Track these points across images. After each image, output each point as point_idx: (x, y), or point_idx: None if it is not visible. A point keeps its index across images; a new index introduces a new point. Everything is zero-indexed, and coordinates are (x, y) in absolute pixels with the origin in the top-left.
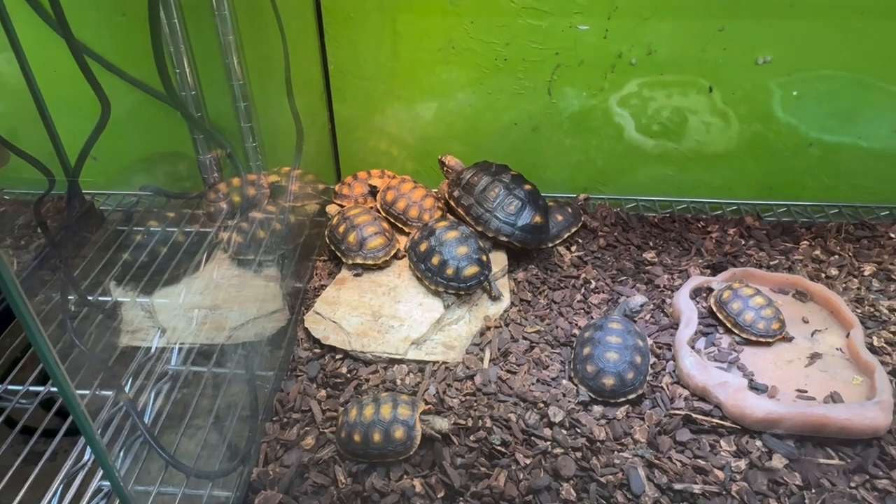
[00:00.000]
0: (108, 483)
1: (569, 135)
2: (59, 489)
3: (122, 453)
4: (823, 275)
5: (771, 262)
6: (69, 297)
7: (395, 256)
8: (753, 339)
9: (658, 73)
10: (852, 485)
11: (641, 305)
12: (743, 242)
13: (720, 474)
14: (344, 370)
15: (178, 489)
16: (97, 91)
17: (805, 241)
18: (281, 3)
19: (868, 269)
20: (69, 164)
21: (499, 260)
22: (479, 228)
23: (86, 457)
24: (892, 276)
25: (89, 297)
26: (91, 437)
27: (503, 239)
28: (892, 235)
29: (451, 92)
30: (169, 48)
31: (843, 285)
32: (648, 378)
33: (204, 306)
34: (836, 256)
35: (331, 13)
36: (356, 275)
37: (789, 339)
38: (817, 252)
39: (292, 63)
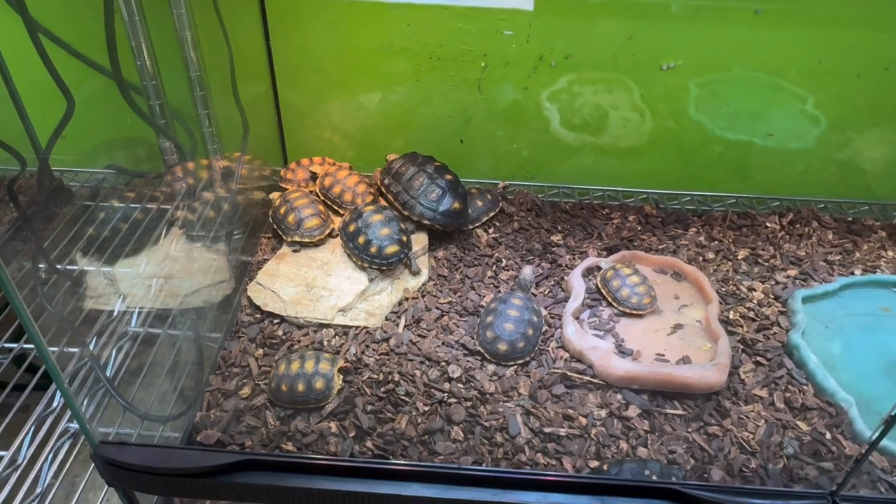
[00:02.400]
0: (74, 424)
1: (499, 127)
2: (31, 430)
3: (86, 401)
4: (702, 258)
5: (660, 246)
6: (40, 266)
7: (331, 235)
8: (628, 311)
9: (575, 75)
10: (689, 430)
11: (531, 276)
12: (639, 228)
13: (584, 421)
14: (280, 333)
15: (135, 430)
16: (60, 86)
17: (693, 228)
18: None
19: (742, 253)
20: (40, 147)
21: (420, 240)
22: (406, 213)
23: (55, 403)
24: (759, 261)
25: (58, 266)
26: (60, 382)
27: (426, 222)
28: (769, 225)
29: (390, 86)
30: (130, 42)
31: (716, 267)
32: (538, 341)
33: (160, 276)
34: (716, 242)
35: (276, 11)
36: (295, 251)
37: (659, 312)
38: (701, 238)
39: (240, 58)
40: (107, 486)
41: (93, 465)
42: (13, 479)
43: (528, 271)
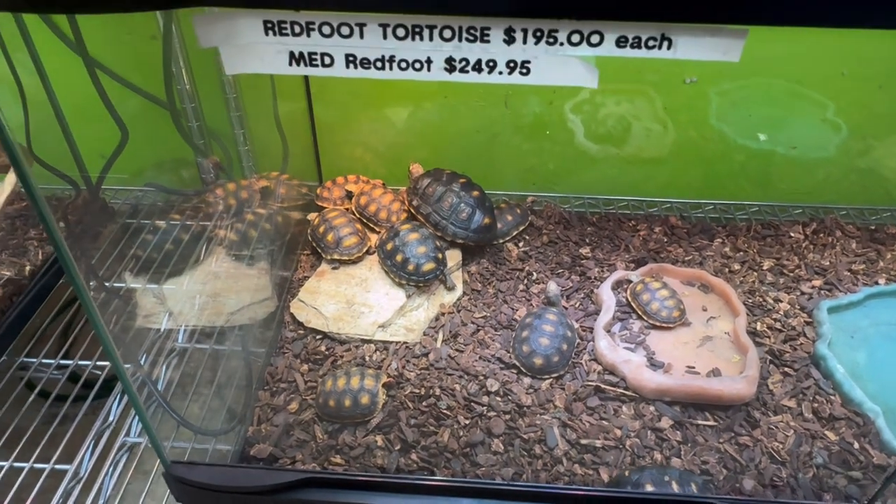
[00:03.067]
0: (130, 438)
1: (525, 140)
2: (91, 444)
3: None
4: (728, 269)
5: (686, 258)
6: (90, 284)
7: (368, 252)
8: (658, 324)
9: (600, 91)
10: (720, 441)
11: (557, 291)
12: (665, 240)
13: (618, 432)
14: (323, 348)
15: (189, 444)
16: (116, 119)
17: (719, 239)
18: None
19: (767, 264)
20: (89, 176)
21: (454, 256)
22: (439, 233)
23: (111, 418)
24: (784, 272)
25: (106, 284)
26: (136, 402)
27: (459, 241)
28: (792, 235)
29: (419, 103)
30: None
31: (742, 278)
32: (572, 355)
33: (206, 294)
34: (741, 253)
35: None
36: (334, 268)
37: (688, 325)
38: (727, 249)
39: (277, 78)
40: (166, 496)
41: (150, 477)
42: (76, 492)
43: (553, 287)
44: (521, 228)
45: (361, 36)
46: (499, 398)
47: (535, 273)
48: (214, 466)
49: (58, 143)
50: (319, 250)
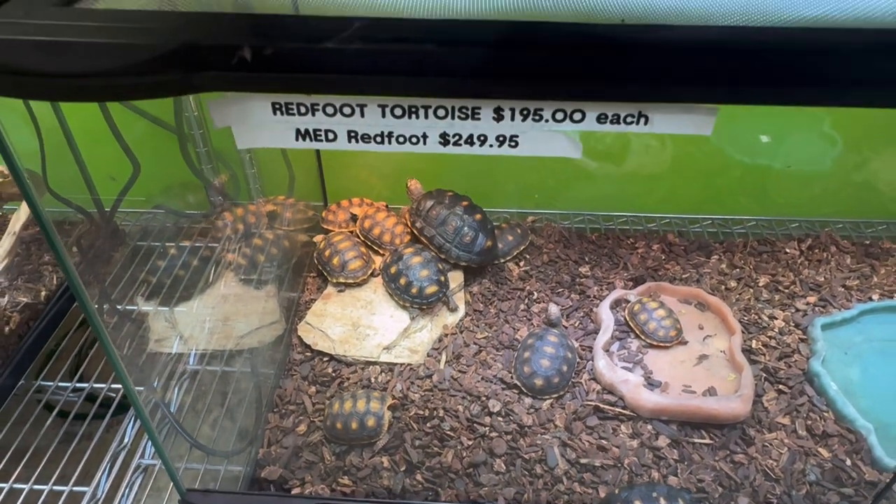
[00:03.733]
0: (145, 460)
1: (525, 158)
2: (108, 466)
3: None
4: (724, 286)
5: (683, 275)
6: (104, 308)
7: (373, 274)
8: (655, 343)
9: None
10: (716, 458)
11: (558, 314)
12: (663, 257)
13: (617, 451)
14: (330, 370)
15: (201, 465)
16: (128, 154)
17: (716, 256)
18: None
19: (763, 280)
20: (101, 201)
21: (456, 277)
22: (443, 256)
23: (125, 440)
24: (779, 288)
25: (119, 307)
26: (150, 429)
27: (462, 264)
28: (788, 250)
29: None
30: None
31: (738, 296)
32: (573, 375)
33: (215, 317)
34: (738, 270)
35: None
36: (339, 291)
37: (685, 343)
38: (723, 266)
39: None
40: None
41: (165, 498)
42: None
43: (553, 309)
44: (521, 248)
45: (362, 115)
46: (501, 418)
47: (535, 292)
48: (228, 494)
49: (69, 166)
50: (325, 273)
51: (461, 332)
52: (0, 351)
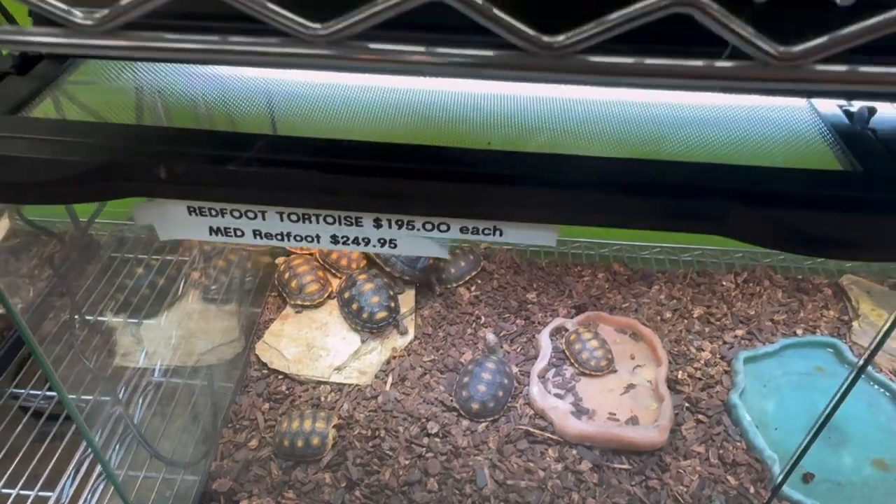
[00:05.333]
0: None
1: None
2: (72, 472)
3: (118, 445)
4: (660, 317)
5: (624, 305)
6: (75, 319)
7: (329, 297)
8: (587, 372)
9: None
10: (632, 483)
11: (495, 342)
12: (607, 286)
13: (542, 474)
14: (283, 388)
15: (160, 474)
16: None
17: (657, 286)
18: None
19: (697, 312)
20: (76, 215)
21: (408, 301)
22: (388, 269)
23: (90, 449)
24: (710, 321)
25: (88, 318)
26: (86, 434)
27: (406, 278)
28: (724, 283)
29: None
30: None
31: (671, 327)
32: (509, 400)
33: (179, 334)
34: (675, 301)
35: None
36: (297, 312)
37: (615, 372)
38: (662, 297)
39: None
40: None
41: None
42: None
43: (490, 338)
44: (473, 273)
45: (264, 219)
46: (438, 440)
47: (483, 317)
48: None
49: None
50: (284, 295)
51: (409, 355)
52: None
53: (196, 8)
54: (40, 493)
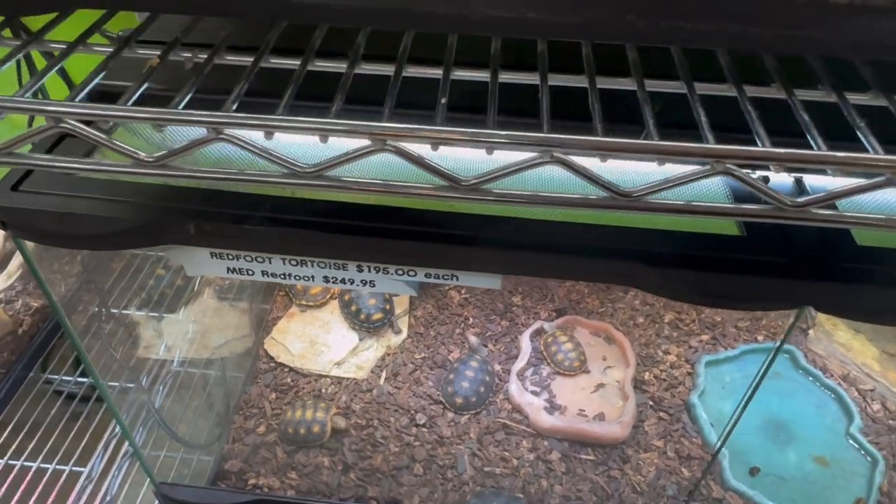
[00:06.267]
0: (131, 448)
1: None
2: (101, 450)
3: (140, 428)
4: (633, 322)
5: (600, 309)
6: (102, 313)
7: (332, 297)
8: (561, 372)
9: None
10: (596, 473)
11: (477, 343)
12: (586, 291)
13: (516, 462)
14: (289, 380)
15: (178, 454)
16: None
17: (632, 293)
18: None
19: (668, 317)
20: None
21: (403, 303)
22: None
23: (117, 429)
24: (679, 326)
25: (114, 312)
26: (118, 418)
27: None
28: None
29: None
30: None
31: (642, 331)
32: (490, 395)
33: (195, 329)
34: (648, 307)
35: None
36: (302, 311)
37: (588, 372)
38: (637, 302)
39: None
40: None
41: (146, 482)
42: (88, 490)
43: (473, 340)
44: None
45: (270, 262)
46: (425, 430)
47: (471, 318)
48: (190, 488)
49: None
50: (290, 296)
51: (402, 352)
52: (16, 348)
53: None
54: (73, 469)
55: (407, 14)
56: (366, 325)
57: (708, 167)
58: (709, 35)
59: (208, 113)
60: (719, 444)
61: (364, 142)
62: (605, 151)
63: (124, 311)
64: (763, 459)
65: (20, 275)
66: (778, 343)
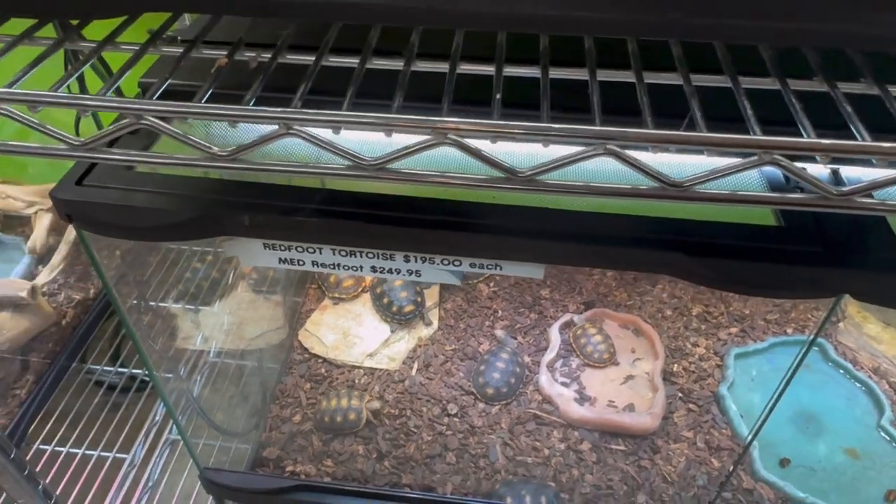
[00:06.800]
0: (171, 436)
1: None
2: (143, 438)
3: (181, 416)
4: (661, 314)
5: (628, 302)
6: (142, 305)
7: (363, 291)
8: (591, 364)
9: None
10: (626, 463)
11: (505, 336)
12: (614, 284)
13: (547, 452)
14: (322, 371)
15: (217, 442)
16: None
17: (660, 286)
18: None
19: (696, 310)
20: None
21: (433, 295)
22: None
23: (157, 417)
24: (708, 319)
25: (152, 304)
26: (173, 414)
27: None
28: None
29: None
30: None
31: (671, 324)
32: (520, 386)
33: (231, 321)
34: (676, 300)
35: None
36: (335, 304)
37: (617, 364)
38: (664, 295)
39: None
40: (197, 486)
41: (187, 468)
42: (132, 476)
43: (500, 334)
44: None
45: (320, 253)
46: (456, 419)
47: (500, 311)
48: (233, 473)
49: None
50: (323, 289)
51: (433, 344)
52: (59, 339)
53: None
54: (117, 455)
55: (455, 13)
56: (397, 317)
57: (755, 158)
58: (753, 30)
59: (281, 110)
60: (750, 436)
61: (422, 136)
62: (658, 143)
63: (161, 304)
64: (793, 451)
65: (62, 268)
66: (811, 336)
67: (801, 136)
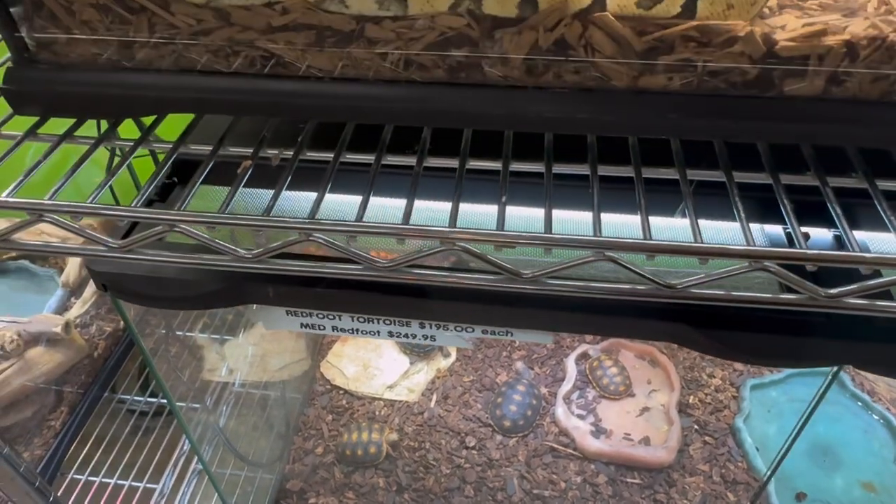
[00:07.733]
0: (199, 466)
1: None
2: (171, 468)
3: (206, 447)
4: (676, 345)
5: None
6: (169, 335)
7: None
8: (607, 395)
9: None
10: (642, 496)
11: (523, 368)
12: None
13: (563, 485)
14: (344, 402)
15: (242, 473)
16: None
17: None
18: None
19: None
20: None
21: None
22: None
23: (185, 447)
24: None
25: (178, 333)
26: (191, 439)
27: None
28: None
29: None
30: None
31: (686, 354)
32: (537, 418)
33: (254, 353)
34: None
35: None
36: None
37: (633, 395)
38: None
39: None
40: None
41: (214, 497)
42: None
43: (518, 366)
44: None
45: (340, 319)
46: (475, 452)
47: (517, 341)
48: None
49: None
50: None
51: (451, 376)
52: (91, 370)
53: None
54: (147, 486)
55: (464, 115)
56: (416, 349)
57: (747, 265)
58: (749, 130)
59: (301, 220)
60: (769, 472)
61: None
62: (653, 252)
63: (188, 334)
64: (809, 485)
65: (94, 300)
66: (833, 370)
67: (795, 228)
